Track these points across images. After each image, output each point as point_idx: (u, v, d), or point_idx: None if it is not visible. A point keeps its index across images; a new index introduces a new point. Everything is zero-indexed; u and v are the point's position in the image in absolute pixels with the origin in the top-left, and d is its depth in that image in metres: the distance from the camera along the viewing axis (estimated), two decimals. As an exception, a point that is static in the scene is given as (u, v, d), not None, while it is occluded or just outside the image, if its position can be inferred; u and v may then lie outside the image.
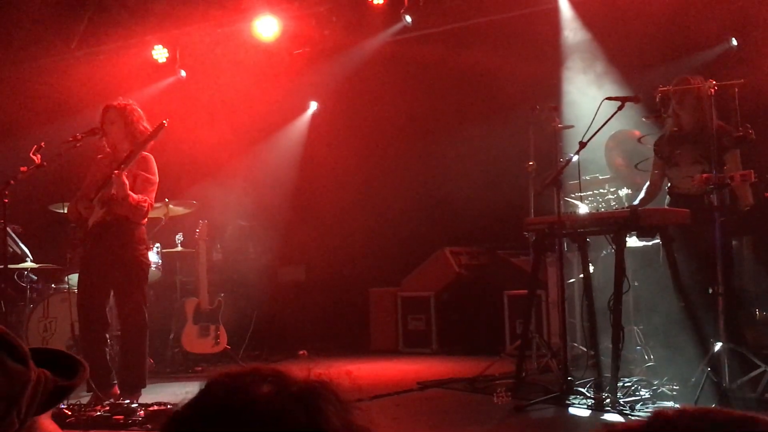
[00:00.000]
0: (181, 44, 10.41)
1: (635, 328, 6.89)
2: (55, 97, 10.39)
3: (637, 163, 7.01)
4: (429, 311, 9.83)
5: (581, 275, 6.70)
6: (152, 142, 6.63)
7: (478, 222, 9.91)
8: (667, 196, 6.50)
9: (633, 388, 5.90)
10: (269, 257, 10.62)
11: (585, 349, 6.68)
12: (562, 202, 6.17)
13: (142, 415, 5.71)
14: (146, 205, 6.48)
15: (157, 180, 6.65)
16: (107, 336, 6.79)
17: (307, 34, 9.94)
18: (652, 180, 6.59)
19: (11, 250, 7.77)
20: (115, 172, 6.34)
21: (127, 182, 6.33)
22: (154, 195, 6.63)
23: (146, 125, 6.64)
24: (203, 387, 1.09)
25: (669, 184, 6.51)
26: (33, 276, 8.45)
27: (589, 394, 5.78)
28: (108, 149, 6.70)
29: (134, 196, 6.38)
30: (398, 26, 9.53)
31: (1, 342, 1.26)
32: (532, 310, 7.05)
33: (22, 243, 8.33)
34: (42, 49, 10.57)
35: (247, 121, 10.55)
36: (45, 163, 6.45)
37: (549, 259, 7.60)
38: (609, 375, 5.74)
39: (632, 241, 6.52)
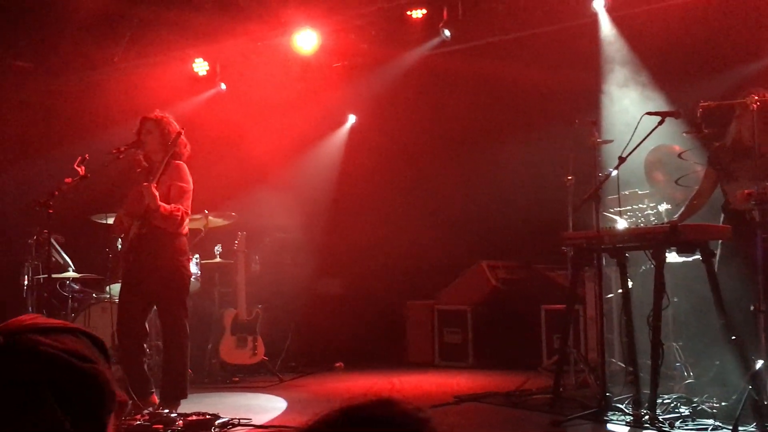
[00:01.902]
0: (221, 57, 10.51)
1: (675, 344, 6.83)
2: (99, 110, 10.55)
3: (678, 179, 6.95)
4: (465, 324, 9.81)
5: (619, 290, 6.66)
6: (186, 153, 6.73)
7: (515, 236, 9.88)
8: (722, 213, 6.41)
9: (672, 405, 5.84)
10: (307, 269, 10.66)
11: (623, 365, 6.63)
12: (600, 216, 6.14)
13: (181, 425, 5.76)
14: (179, 213, 6.53)
15: (191, 187, 6.70)
16: (145, 346, 6.86)
17: (346, 47, 10.00)
18: (700, 191, 6.49)
19: (54, 259, 7.88)
20: (145, 184, 6.42)
21: (156, 193, 6.39)
22: (189, 203, 6.67)
23: (183, 138, 6.73)
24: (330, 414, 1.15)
25: (724, 200, 6.42)
26: (75, 285, 8.56)
27: (627, 411, 5.74)
28: (144, 162, 6.78)
29: (165, 206, 6.44)
30: (437, 40, 9.55)
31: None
32: (569, 325, 7.01)
33: (65, 253, 8.44)
34: (86, 63, 10.74)
35: (286, 134, 10.62)
36: (89, 175, 6.54)
37: (587, 274, 7.56)
38: (648, 391, 5.69)
39: (672, 257, 6.46)
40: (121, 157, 6.69)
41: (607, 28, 8.94)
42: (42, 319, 1.26)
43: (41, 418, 1.15)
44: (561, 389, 6.59)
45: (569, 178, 7.44)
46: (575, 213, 7.29)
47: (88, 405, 1.21)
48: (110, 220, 7.08)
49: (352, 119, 11.55)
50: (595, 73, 8.97)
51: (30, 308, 8.05)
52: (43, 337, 1.21)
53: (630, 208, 7.21)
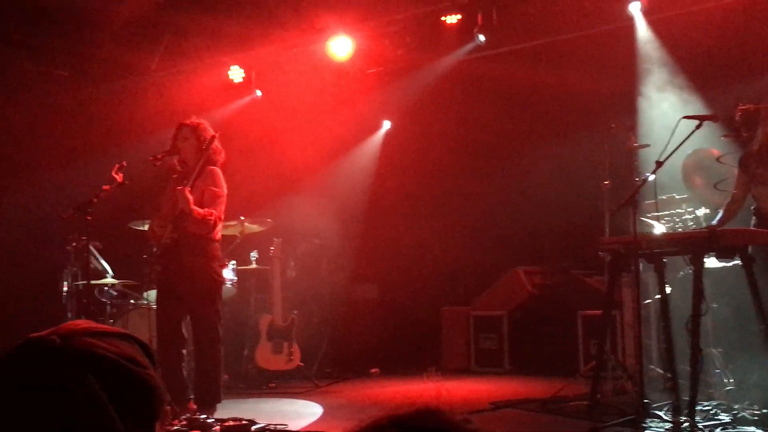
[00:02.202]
0: (256, 64, 10.57)
1: (714, 350, 6.74)
2: (136, 117, 10.65)
3: (716, 183, 6.88)
4: (501, 330, 9.77)
5: (657, 296, 6.60)
6: (221, 159, 6.78)
7: (551, 241, 9.85)
8: (753, 217, 6.35)
9: (712, 412, 5.77)
10: (342, 275, 10.69)
11: (662, 372, 6.56)
12: (637, 221, 6.09)
13: (218, 430, 5.80)
14: (213, 218, 6.56)
15: (225, 193, 6.75)
16: (184, 352, 6.91)
17: (380, 53, 10.01)
18: (735, 197, 6.45)
19: (93, 266, 7.96)
20: (179, 188, 6.47)
21: (190, 197, 6.44)
22: (222, 208, 6.71)
23: (218, 144, 6.78)
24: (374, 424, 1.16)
25: (755, 205, 6.37)
26: (113, 292, 8.63)
27: (666, 418, 5.67)
28: (179, 167, 6.84)
29: (198, 210, 6.48)
30: (471, 45, 9.53)
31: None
32: (607, 331, 6.96)
33: (103, 259, 8.52)
34: (123, 71, 10.86)
35: (320, 140, 10.66)
36: (126, 182, 6.60)
37: (624, 280, 7.50)
38: (687, 398, 5.62)
39: (711, 262, 6.39)
40: (158, 164, 6.75)
41: (643, 31, 8.87)
42: (95, 324, 1.28)
43: (96, 419, 1.16)
44: (598, 396, 6.53)
45: (605, 182, 7.39)
46: (612, 218, 7.24)
47: (141, 409, 1.23)
48: (147, 227, 7.14)
49: (386, 125, 11.56)
50: (631, 77, 8.90)
51: (69, 314, 8.13)
52: (98, 340, 1.23)
53: (668, 212, 7.14)
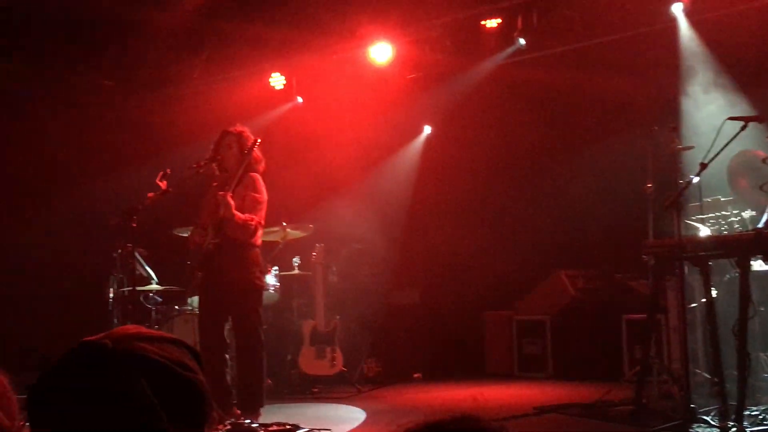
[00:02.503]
0: (297, 71, 10.63)
1: (762, 354, 6.65)
2: (179, 125, 10.77)
3: (762, 185, 6.77)
4: (545, 335, 9.71)
5: (703, 300, 6.52)
6: (261, 166, 6.83)
7: (594, 245, 9.76)
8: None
9: (761, 417, 5.69)
10: (384, 280, 10.69)
11: (708, 376, 6.48)
12: (682, 224, 6.03)
13: (262, 435, 5.83)
14: (254, 223, 6.62)
15: (266, 199, 6.80)
16: (227, 357, 6.97)
17: (420, 58, 10.02)
18: None
19: (138, 272, 8.05)
20: (220, 193, 6.53)
21: (232, 202, 6.49)
22: (263, 213, 6.77)
23: (258, 153, 6.84)
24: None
25: None
26: (158, 298, 8.72)
27: (713, 423, 5.61)
28: (218, 174, 6.89)
29: (240, 215, 6.53)
30: (511, 49, 9.51)
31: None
32: (651, 335, 6.89)
33: (148, 266, 8.62)
34: (166, 80, 10.99)
35: (361, 146, 10.69)
36: (170, 189, 6.67)
37: (669, 283, 7.42)
38: (734, 403, 5.55)
39: (758, 265, 6.31)
40: (201, 171, 6.82)
41: (686, 32, 8.78)
42: (146, 329, 1.30)
43: (147, 422, 1.18)
44: (644, 401, 6.47)
45: (649, 185, 7.32)
46: (656, 221, 7.17)
47: (190, 413, 1.25)
48: (190, 231, 7.22)
49: (427, 130, 11.56)
50: (673, 79, 8.81)
51: (115, 320, 8.23)
52: (149, 345, 1.25)
53: (713, 215, 7.05)
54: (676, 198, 5.92)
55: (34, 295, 9.56)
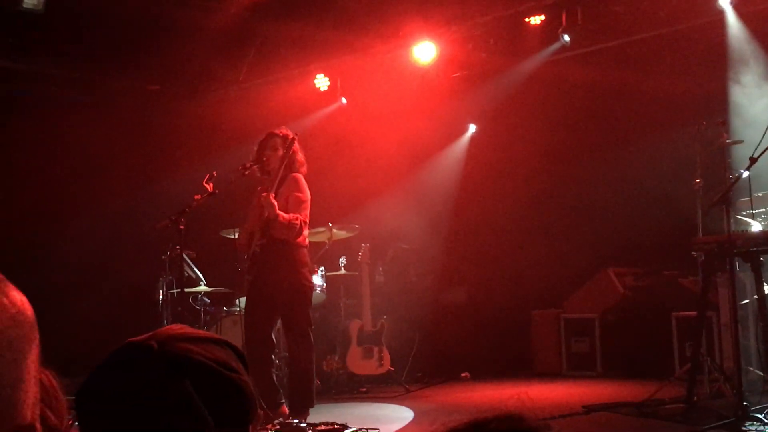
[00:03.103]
0: (341, 72, 10.67)
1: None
2: (225, 127, 10.87)
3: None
4: (593, 333, 9.63)
5: (755, 296, 6.42)
6: (303, 168, 6.86)
7: (642, 242, 9.66)
8: None
9: (815, 414, 5.59)
10: (430, 279, 10.70)
11: (761, 373, 6.39)
12: (732, 220, 5.95)
13: (311, 435, 5.86)
14: (298, 223, 6.65)
15: (309, 198, 6.83)
16: (274, 357, 7.02)
17: (464, 57, 9.99)
18: None
19: (187, 274, 8.14)
20: (263, 194, 6.58)
21: (275, 202, 6.54)
22: (307, 213, 6.79)
23: (301, 156, 6.88)
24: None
25: None
26: (206, 299, 8.82)
27: (767, 421, 5.52)
28: (261, 176, 6.94)
29: (284, 215, 6.57)
30: (556, 46, 9.44)
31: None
32: (702, 333, 6.80)
33: (196, 268, 8.71)
34: (212, 82, 11.11)
35: (406, 145, 10.69)
36: (217, 191, 6.73)
37: (719, 280, 7.32)
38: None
39: (810, 260, 6.20)
40: (246, 173, 6.87)
41: (734, 25, 8.65)
42: (190, 329, 1.32)
43: (191, 421, 1.20)
44: (695, 398, 6.40)
45: (697, 181, 7.23)
46: (705, 217, 7.08)
47: (234, 412, 1.26)
48: (238, 235, 7.29)
49: (472, 128, 11.53)
50: (721, 73, 8.69)
51: (165, 322, 8.33)
52: (193, 345, 1.27)
53: (764, 210, 6.95)
54: (725, 193, 5.85)
55: (85, 298, 9.71)
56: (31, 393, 1.02)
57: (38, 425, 1.04)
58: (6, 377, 0.99)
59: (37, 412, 1.04)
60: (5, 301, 1.01)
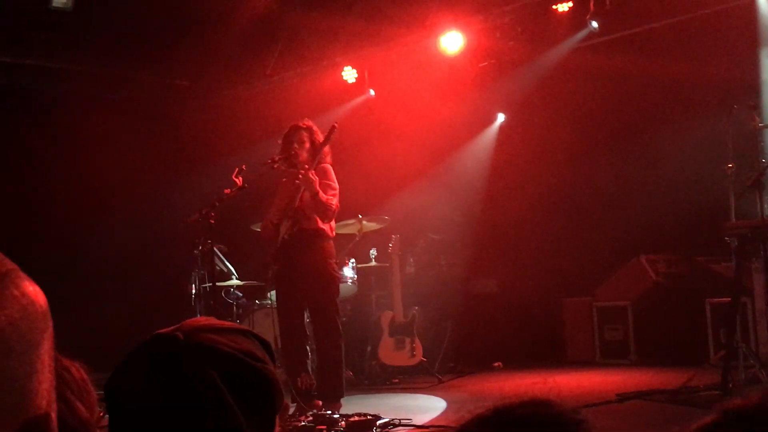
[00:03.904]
0: (369, 64, 10.67)
1: None
2: (253, 121, 10.92)
3: None
4: (626, 321, 9.58)
5: (790, 281, 6.36)
6: (329, 158, 6.88)
7: (674, 228, 9.58)
8: None
9: None
10: (461, 270, 10.68)
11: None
12: (765, 204, 5.88)
13: (344, 426, 5.89)
14: (333, 206, 6.70)
15: (338, 187, 6.86)
16: (308, 348, 7.05)
17: (492, 46, 9.95)
18: None
19: (218, 268, 8.20)
20: (301, 172, 6.60)
21: (316, 178, 6.57)
22: (336, 200, 6.83)
23: (327, 148, 6.91)
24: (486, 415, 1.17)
25: None
26: (238, 293, 8.87)
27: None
28: (284, 168, 6.97)
29: (323, 194, 6.61)
30: (584, 33, 9.37)
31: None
32: (736, 319, 6.74)
33: (228, 261, 8.77)
34: (240, 76, 11.16)
35: (435, 136, 10.67)
36: (246, 185, 6.76)
37: (753, 265, 7.25)
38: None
39: None
40: (275, 166, 6.90)
41: (765, 7, 8.54)
42: (216, 321, 1.34)
43: (217, 410, 1.21)
44: (730, 385, 6.33)
45: (729, 165, 7.14)
46: (737, 202, 7.00)
47: (259, 401, 1.27)
48: (262, 225, 7.33)
49: (501, 118, 11.49)
50: (752, 56, 8.58)
51: (198, 315, 8.39)
52: (219, 336, 1.28)
53: (797, 194, 6.85)
54: (758, 177, 5.80)
55: (118, 293, 9.81)
56: (44, 384, 1.03)
57: (53, 415, 1.05)
58: (19, 369, 1.00)
59: (53, 402, 1.05)
60: (16, 292, 1.01)
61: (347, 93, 10.88)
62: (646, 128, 9.93)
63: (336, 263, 6.96)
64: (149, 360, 1.26)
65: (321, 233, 6.75)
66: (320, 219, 6.72)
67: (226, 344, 1.27)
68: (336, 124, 6.84)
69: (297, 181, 6.67)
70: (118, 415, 1.26)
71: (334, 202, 6.75)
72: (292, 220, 6.73)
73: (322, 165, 6.85)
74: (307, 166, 6.67)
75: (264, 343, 1.37)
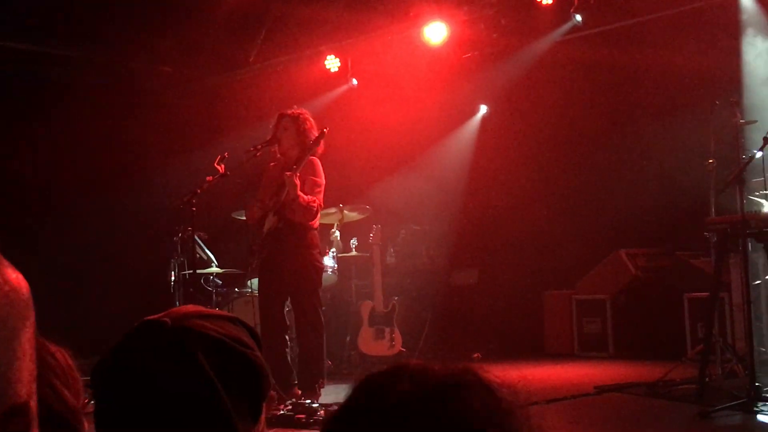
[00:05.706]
0: (352, 53, 10.64)
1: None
2: (236, 109, 10.87)
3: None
4: (605, 314, 9.63)
5: (767, 277, 6.41)
6: (320, 149, 6.87)
7: (654, 223, 9.63)
8: None
9: (828, 395, 5.58)
10: (442, 260, 10.69)
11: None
12: (745, 200, 5.92)
13: (323, 415, 5.88)
14: (315, 206, 6.72)
15: (324, 182, 6.87)
16: (287, 338, 7.05)
17: (475, 37, 9.94)
18: None
19: (198, 255, 8.16)
20: (287, 173, 6.59)
21: (298, 183, 6.57)
22: (322, 197, 6.86)
23: (316, 133, 6.89)
24: (352, 387, 1.13)
25: None
26: (218, 281, 8.84)
27: (779, 401, 5.52)
28: (279, 156, 6.97)
29: (304, 197, 6.62)
30: (568, 26, 9.38)
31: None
32: (714, 313, 6.79)
33: (208, 249, 8.73)
34: (223, 64, 11.10)
35: (417, 126, 10.67)
36: (228, 173, 6.74)
37: (732, 261, 7.29)
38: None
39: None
40: (258, 154, 6.89)
41: (747, 3, 8.58)
42: (204, 308, 1.33)
43: (205, 395, 1.21)
44: (707, 379, 6.38)
45: (710, 161, 7.19)
46: (718, 197, 7.05)
47: (247, 387, 1.27)
48: (248, 207, 7.31)
49: (483, 109, 11.49)
50: (734, 52, 8.62)
51: (177, 303, 8.35)
52: (207, 322, 1.28)
53: (777, 190, 6.90)
54: (738, 173, 5.82)
55: (97, 280, 9.75)
56: (26, 371, 1.01)
57: (33, 403, 1.04)
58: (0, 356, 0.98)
59: (34, 392, 1.04)
60: None
61: (330, 82, 10.85)
62: (628, 123, 9.97)
63: (319, 253, 6.97)
64: (137, 345, 1.25)
65: (305, 225, 6.75)
66: (301, 219, 6.72)
67: (214, 330, 1.27)
68: (326, 129, 6.83)
69: (280, 179, 6.66)
70: (104, 401, 1.25)
71: (318, 200, 6.75)
72: (278, 215, 6.72)
73: (311, 158, 6.84)
74: (295, 167, 6.65)
75: (251, 331, 1.36)
